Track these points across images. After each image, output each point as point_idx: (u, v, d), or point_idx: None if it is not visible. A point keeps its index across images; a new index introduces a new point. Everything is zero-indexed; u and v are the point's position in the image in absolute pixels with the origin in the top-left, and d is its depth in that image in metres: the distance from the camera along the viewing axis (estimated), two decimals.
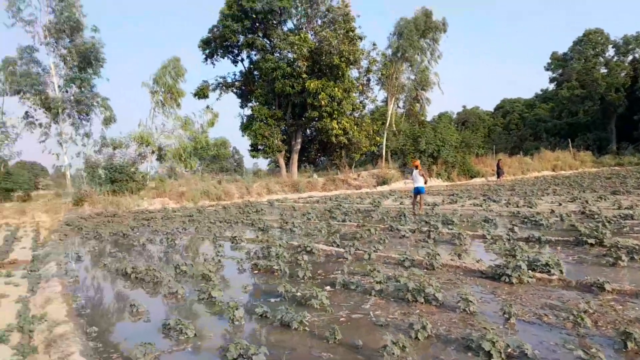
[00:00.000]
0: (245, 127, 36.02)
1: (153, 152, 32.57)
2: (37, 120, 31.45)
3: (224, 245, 10.86)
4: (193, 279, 7.72)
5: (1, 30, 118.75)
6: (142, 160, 31.29)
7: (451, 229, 10.97)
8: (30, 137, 35.53)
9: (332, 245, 9.59)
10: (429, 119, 49.41)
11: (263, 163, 76.46)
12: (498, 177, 33.11)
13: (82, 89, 31.77)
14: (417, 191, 15.74)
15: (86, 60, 31.31)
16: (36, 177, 31.77)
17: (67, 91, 31.76)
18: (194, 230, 14.61)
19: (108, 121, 32.77)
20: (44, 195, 29.05)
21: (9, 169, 28.30)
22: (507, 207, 15.72)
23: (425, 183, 15.88)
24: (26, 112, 31.15)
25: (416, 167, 15.94)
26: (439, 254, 7.42)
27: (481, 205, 16.32)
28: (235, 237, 11.61)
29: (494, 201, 17.62)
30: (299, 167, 36.84)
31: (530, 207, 14.79)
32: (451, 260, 7.57)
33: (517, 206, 15.55)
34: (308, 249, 9.30)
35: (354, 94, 34.26)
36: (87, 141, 32.11)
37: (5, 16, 31.80)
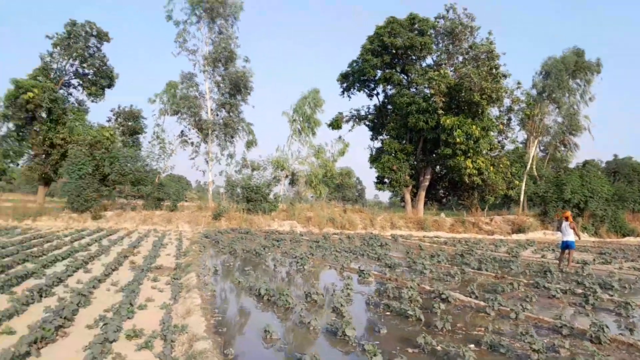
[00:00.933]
0: (374, 160, 36.08)
1: (287, 176, 34.13)
2: (189, 139, 34.96)
3: (352, 277, 10.60)
4: (323, 310, 7.56)
5: (168, 58, 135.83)
6: (276, 182, 32.94)
7: (612, 295, 9.48)
8: (182, 153, 39.56)
9: (470, 296, 8.79)
10: (572, 165, 44.90)
11: (384, 196, 76.02)
12: None
13: (231, 114, 34.68)
14: (566, 245, 14.13)
15: (236, 88, 34.19)
16: (184, 190, 35.05)
17: (217, 114, 34.94)
18: (321, 256, 14.66)
19: (250, 144, 35.21)
20: (188, 207, 31.88)
21: (162, 181, 31.63)
22: None
23: (578, 238, 14.19)
24: (181, 131, 34.87)
25: (566, 219, 14.33)
26: (607, 326, 6.31)
27: None
28: (363, 270, 11.34)
29: None
30: (424, 204, 35.72)
31: None
32: (621, 334, 6.39)
33: None
34: (443, 296, 8.63)
35: (492, 133, 32.48)
36: (230, 161, 34.78)
37: (173, 46, 35.95)
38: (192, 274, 10.21)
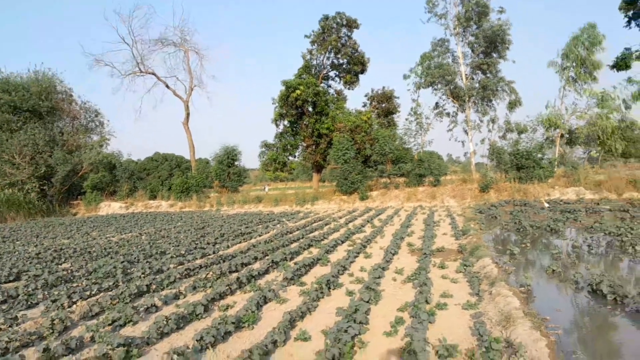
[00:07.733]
0: None
1: (562, 135, 28.91)
2: (445, 110, 33.07)
3: None
4: None
5: (418, 26, 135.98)
6: (550, 145, 28.22)
7: None
8: (438, 127, 38.02)
9: None
10: None
11: None
12: None
13: (488, 75, 31.32)
14: None
15: (492, 45, 30.59)
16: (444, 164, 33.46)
17: (473, 78, 32.04)
18: None
19: (513, 105, 31.14)
20: (450, 180, 30.19)
21: (421, 157, 30.66)
22: None
23: None
24: (436, 103, 33.22)
25: None
26: None
27: None
28: None
29: None
30: None
31: None
32: None
33: None
34: None
35: None
36: (492, 127, 31.52)
37: (422, 13, 34.59)
38: (486, 259, 8.37)
